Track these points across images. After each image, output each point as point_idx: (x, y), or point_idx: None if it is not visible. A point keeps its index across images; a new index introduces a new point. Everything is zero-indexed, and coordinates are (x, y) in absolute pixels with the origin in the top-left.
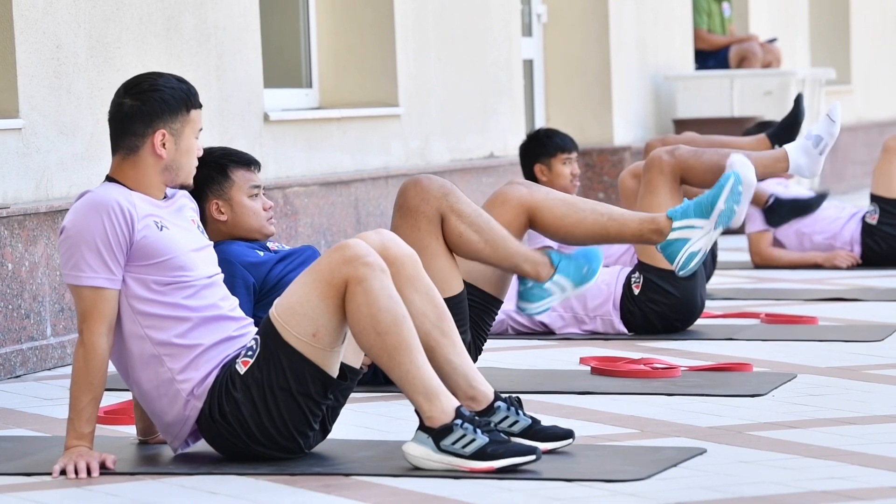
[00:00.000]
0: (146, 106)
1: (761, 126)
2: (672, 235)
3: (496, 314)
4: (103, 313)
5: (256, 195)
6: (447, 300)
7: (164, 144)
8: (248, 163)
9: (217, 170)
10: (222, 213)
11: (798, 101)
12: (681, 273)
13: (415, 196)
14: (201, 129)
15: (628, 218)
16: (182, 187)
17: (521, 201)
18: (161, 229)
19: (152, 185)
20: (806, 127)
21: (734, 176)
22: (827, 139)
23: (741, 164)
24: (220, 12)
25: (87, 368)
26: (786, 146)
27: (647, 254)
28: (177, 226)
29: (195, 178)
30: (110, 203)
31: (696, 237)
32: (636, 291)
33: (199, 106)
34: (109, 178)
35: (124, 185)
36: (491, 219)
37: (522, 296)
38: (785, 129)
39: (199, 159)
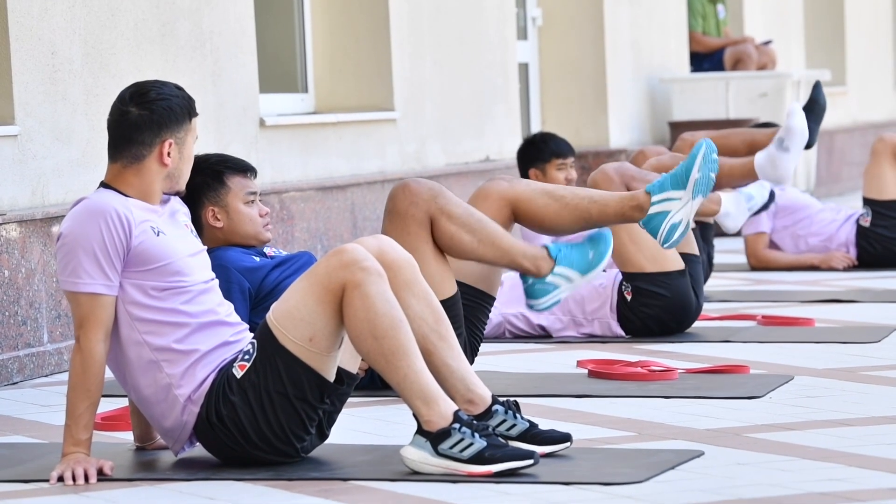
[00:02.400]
0: (155, 115)
1: (762, 127)
2: (652, 210)
3: (489, 310)
4: (100, 320)
5: (252, 201)
6: (446, 302)
7: (169, 154)
8: (245, 169)
9: (213, 176)
10: (218, 220)
11: (817, 86)
12: (665, 245)
13: (403, 200)
14: (197, 137)
15: (609, 198)
16: (177, 193)
17: (502, 195)
18: (158, 234)
19: (153, 192)
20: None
21: (706, 144)
22: (758, 199)
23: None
24: (216, 18)
25: (84, 375)
26: (721, 193)
27: (628, 264)
28: (172, 231)
29: (191, 184)
30: (108, 209)
31: (675, 209)
32: (628, 298)
33: (196, 113)
34: (104, 185)
35: (121, 192)
36: (484, 217)
37: (528, 293)
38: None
39: (195, 166)
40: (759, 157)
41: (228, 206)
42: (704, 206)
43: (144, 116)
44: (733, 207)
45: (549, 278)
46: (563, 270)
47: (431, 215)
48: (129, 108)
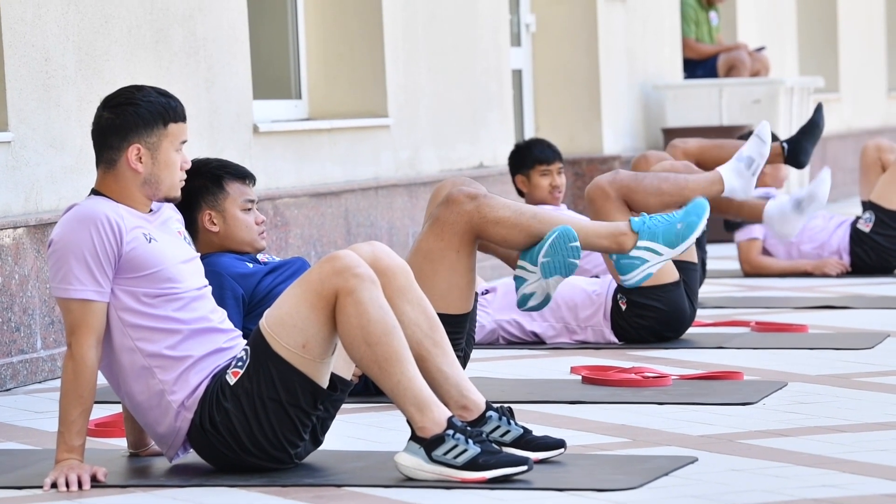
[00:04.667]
0: (119, 119)
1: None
2: (634, 253)
3: (475, 313)
4: (92, 326)
5: (250, 209)
6: (455, 317)
7: (140, 159)
8: (244, 176)
9: (212, 181)
10: (214, 224)
11: (818, 109)
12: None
13: (445, 208)
14: (185, 142)
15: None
16: (168, 200)
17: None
18: (150, 241)
19: (135, 198)
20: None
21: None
22: (758, 160)
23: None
24: (209, 24)
25: (76, 381)
26: (719, 168)
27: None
28: (164, 238)
29: (189, 187)
30: (98, 216)
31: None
32: (623, 308)
33: (180, 119)
34: (95, 191)
35: (110, 198)
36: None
37: (616, 268)
38: (803, 135)
39: (195, 169)
40: (771, 208)
41: (226, 211)
42: (706, 189)
43: (110, 121)
44: (737, 180)
45: (634, 252)
46: (648, 244)
47: (475, 226)
48: (103, 112)
